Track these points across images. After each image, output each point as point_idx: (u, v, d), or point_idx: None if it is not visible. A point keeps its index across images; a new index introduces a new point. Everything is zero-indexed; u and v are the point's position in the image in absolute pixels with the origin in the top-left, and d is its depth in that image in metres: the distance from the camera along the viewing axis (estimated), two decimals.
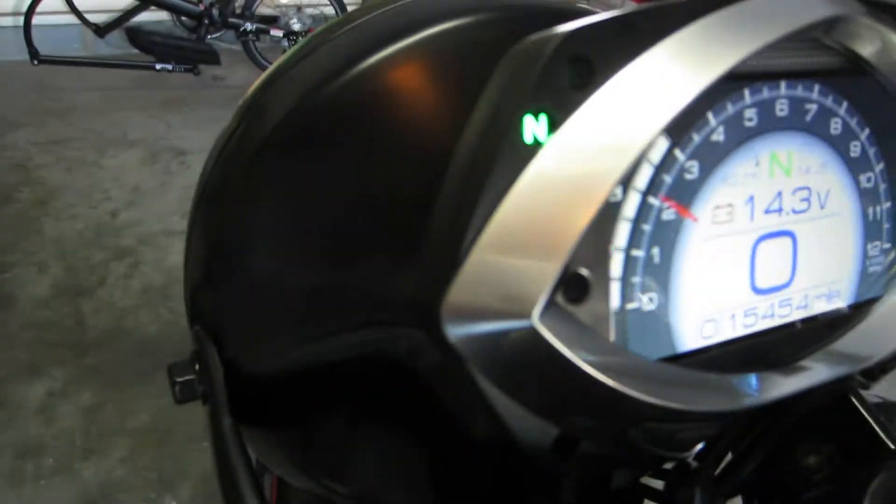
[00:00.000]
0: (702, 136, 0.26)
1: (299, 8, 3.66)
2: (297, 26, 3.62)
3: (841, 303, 0.32)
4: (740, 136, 0.27)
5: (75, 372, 1.83)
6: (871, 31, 0.26)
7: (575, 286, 0.24)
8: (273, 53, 3.72)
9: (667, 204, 0.26)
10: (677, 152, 0.26)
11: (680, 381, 0.26)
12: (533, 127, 0.22)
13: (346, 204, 0.29)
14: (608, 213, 0.25)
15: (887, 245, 0.32)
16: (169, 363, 0.34)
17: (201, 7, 3.40)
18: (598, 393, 0.23)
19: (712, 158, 0.27)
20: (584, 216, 0.21)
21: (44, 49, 3.41)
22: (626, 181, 0.25)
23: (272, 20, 3.63)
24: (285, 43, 3.60)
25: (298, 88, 0.31)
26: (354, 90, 0.30)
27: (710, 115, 0.26)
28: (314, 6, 3.70)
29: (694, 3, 0.24)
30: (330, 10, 3.70)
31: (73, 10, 3.39)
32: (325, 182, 0.30)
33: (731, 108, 0.27)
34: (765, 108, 0.27)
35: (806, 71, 0.28)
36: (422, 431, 0.32)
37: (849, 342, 0.31)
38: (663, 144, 0.25)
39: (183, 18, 3.67)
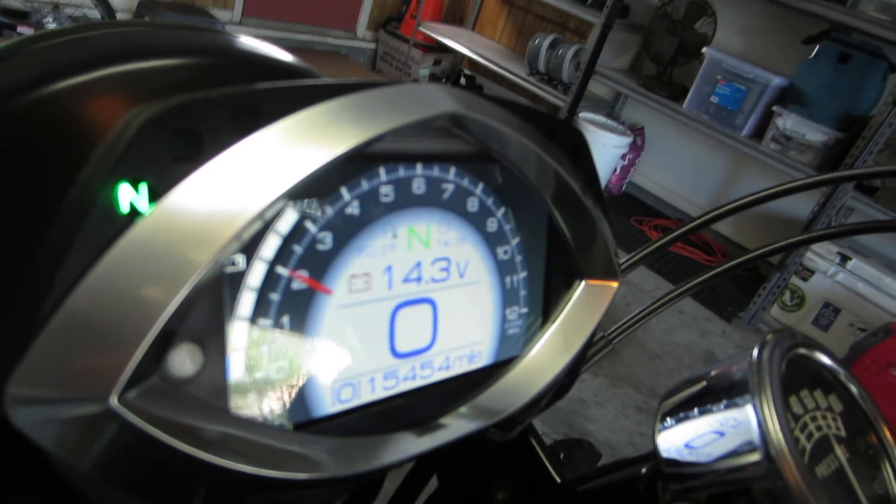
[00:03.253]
0: (335, 209, 0.27)
1: (56, 6, 3.27)
2: (51, 26, 3.23)
3: (481, 363, 0.35)
4: (377, 211, 0.29)
5: None
6: (488, 127, 0.30)
7: (181, 360, 0.23)
8: None
9: (296, 277, 0.26)
10: (308, 224, 0.27)
11: (308, 448, 0.27)
12: (132, 196, 0.21)
13: None
14: (230, 283, 0.25)
15: (524, 310, 0.37)
16: None
17: None
18: (202, 470, 0.23)
19: (347, 231, 0.28)
20: (173, 291, 0.21)
21: None
22: (249, 251, 0.25)
23: (21, 15, 3.20)
24: None
25: None
26: (29, 113, 0.27)
27: (343, 191, 0.28)
28: (75, 6, 3.34)
29: (317, 88, 0.25)
30: (95, 14, 3.36)
31: None
32: None
33: (366, 185, 0.28)
34: (402, 185, 0.30)
35: (443, 154, 0.31)
36: None
37: (487, 398, 0.35)
38: (292, 216, 0.26)
39: None
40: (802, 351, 0.31)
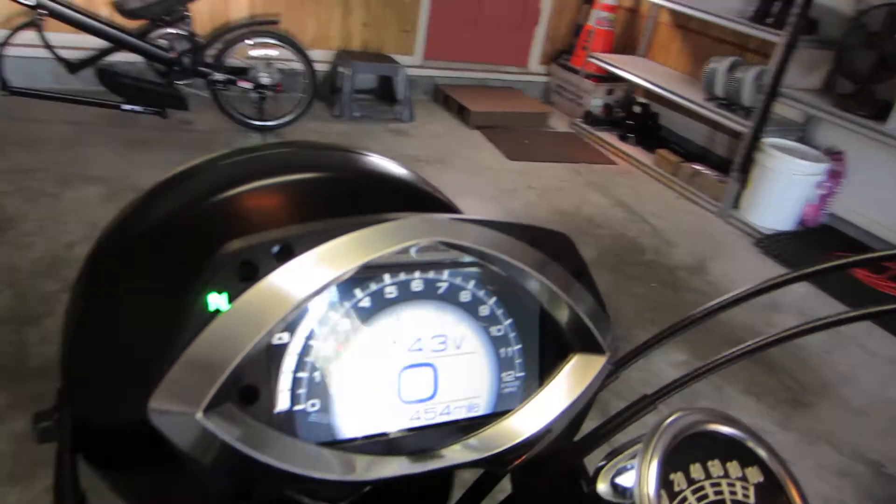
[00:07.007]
0: (352, 303, 0.41)
1: (269, 63, 3.85)
2: (265, 80, 3.81)
3: (479, 412, 0.46)
4: (383, 304, 0.42)
5: (14, 399, 1.93)
6: (471, 249, 0.41)
7: (245, 394, 0.38)
8: (241, 103, 3.93)
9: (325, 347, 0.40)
10: (333, 313, 0.40)
11: (327, 458, 0.40)
12: (217, 301, 0.36)
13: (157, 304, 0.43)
14: (278, 350, 0.39)
15: (520, 374, 0.47)
16: (35, 411, 0.47)
17: (173, 54, 3.56)
18: (256, 465, 0.37)
19: (362, 317, 0.41)
20: (238, 352, 0.35)
21: (15, 80, 3.49)
22: (292, 329, 0.39)
23: (241, 72, 3.80)
24: (254, 95, 3.83)
25: (176, 203, 0.46)
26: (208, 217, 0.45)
27: (357, 291, 0.41)
28: (284, 61, 3.89)
29: (333, 229, 0.38)
30: (299, 66, 3.90)
31: (47, 45, 3.38)
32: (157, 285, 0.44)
33: (374, 286, 0.41)
34: (403, 285, 0.42)
35: (438, 262, 0.43)
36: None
37: (479, 439, 0.45)
38: (322, 307, 0.40)
39: (155, 63, 3.79)
40: (712, 427, 0.38)
